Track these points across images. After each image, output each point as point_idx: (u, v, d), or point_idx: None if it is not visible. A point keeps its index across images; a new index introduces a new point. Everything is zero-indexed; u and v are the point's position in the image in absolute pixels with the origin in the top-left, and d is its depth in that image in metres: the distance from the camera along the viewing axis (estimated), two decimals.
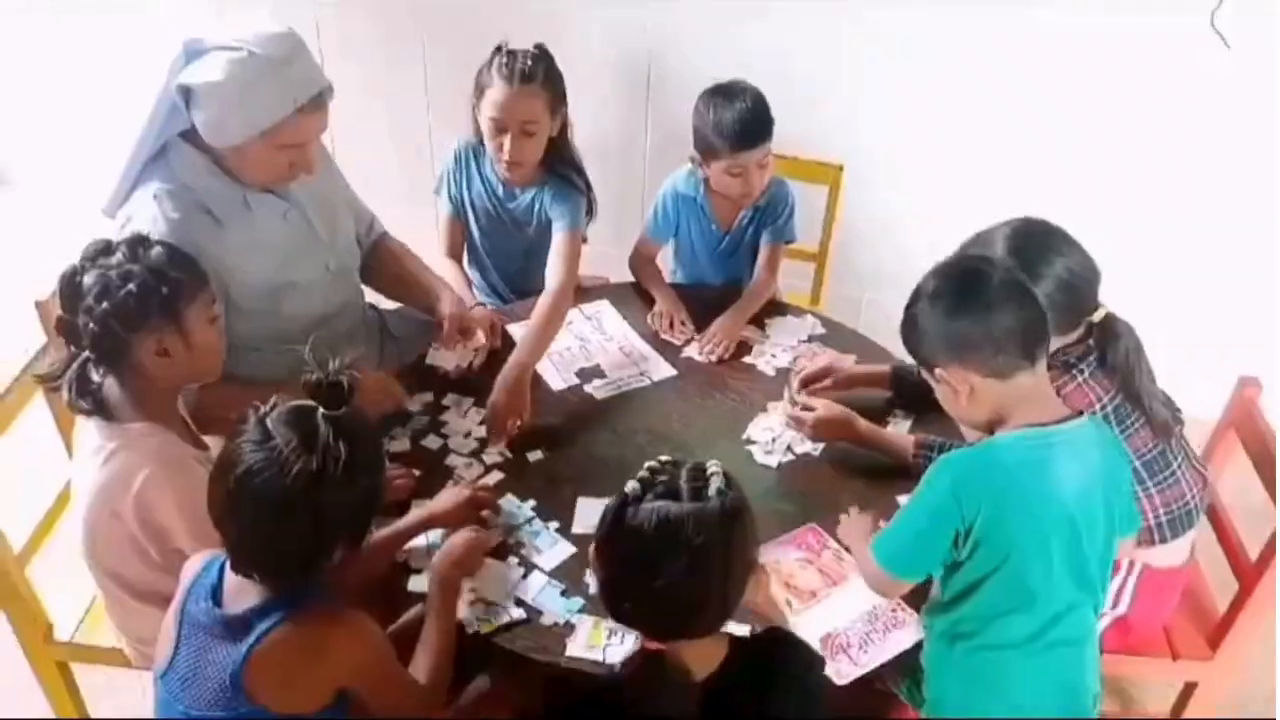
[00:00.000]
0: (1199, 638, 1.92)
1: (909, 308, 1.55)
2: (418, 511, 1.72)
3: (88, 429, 1.63)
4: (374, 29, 3.21)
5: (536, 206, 2.37)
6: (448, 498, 1.74)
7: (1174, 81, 2.66)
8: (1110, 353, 1.68)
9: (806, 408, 1.95)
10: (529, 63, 2.17)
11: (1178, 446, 1.78)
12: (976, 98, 2.83)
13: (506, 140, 2.21)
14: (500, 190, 2.38)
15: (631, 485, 1.25)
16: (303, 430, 1.28)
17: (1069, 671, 1.58)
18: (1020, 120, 2.82)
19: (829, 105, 2.92)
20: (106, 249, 1.60)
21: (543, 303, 2.20)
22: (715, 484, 1.26)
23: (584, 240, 2.38)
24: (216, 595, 1.36)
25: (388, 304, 2.33)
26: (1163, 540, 1.78)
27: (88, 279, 1.56)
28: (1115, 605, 1.84)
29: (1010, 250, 1.67)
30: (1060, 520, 1.48)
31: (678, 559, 1.21)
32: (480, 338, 2.12)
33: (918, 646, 1.62)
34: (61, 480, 1.89)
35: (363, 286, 2.22)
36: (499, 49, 2.20)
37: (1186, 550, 1.85)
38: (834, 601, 1.67)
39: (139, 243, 1.62)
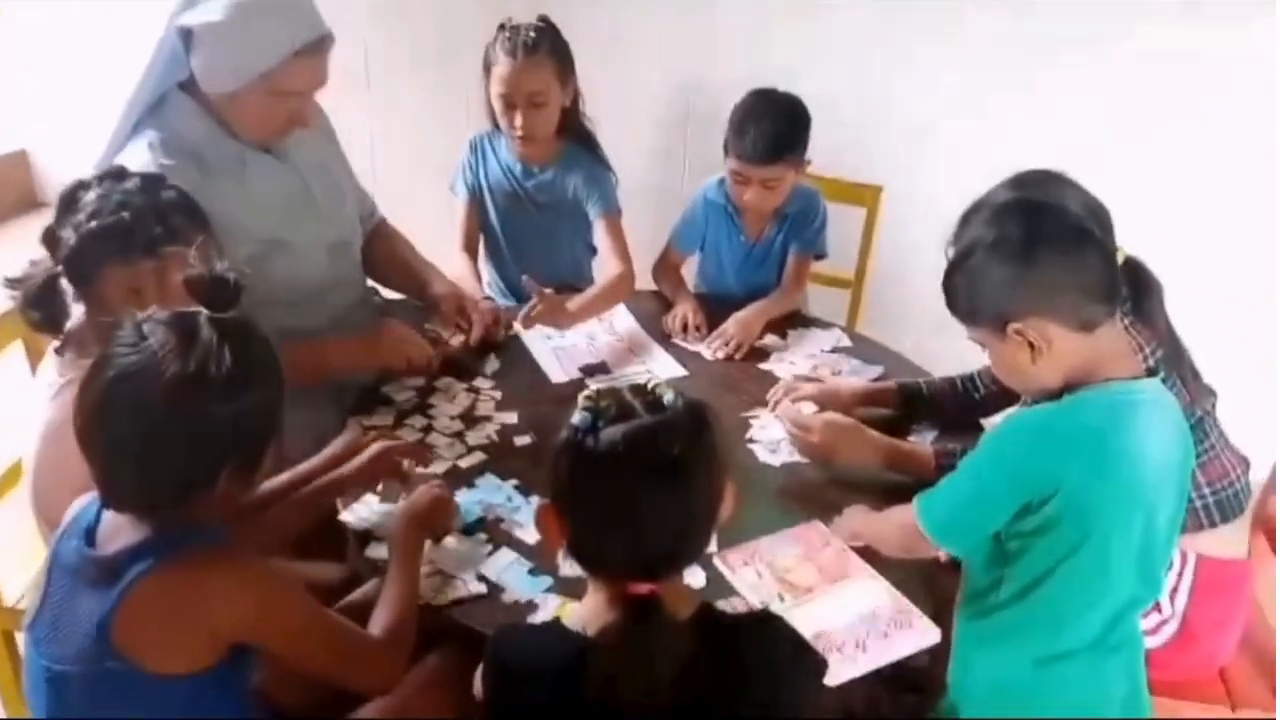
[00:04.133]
0: (1263, 688, 1.68)
1: (960, 261, 1.38)
2: (324, 477, 1.58)
3: (49, 368, 1.55)
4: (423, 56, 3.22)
5: (557, 185, 2.33)
6: (358, 455, 1.61)
7: (1240, 111, 2.50)
8: (1144, 300, 1.51)
9: (804, 427, 1.77)
10: (533, 34, 2.14)
11: (1213, 419, 1.58)
12: (1028, 121, 2.70)
13: (517, 115, 2.17)
14: (519, 169, 2.34)
15: (579, 416, 1.11)
16: (182, 332, 1.15)
17: (1130, 682, 1.38)
18: (1074, 147, 2.67)
19: (869, 126, 2.82)
20: (121, 174, 1.53)
21: (602, 281, 2.24)
22: (667, 393, 1.12)
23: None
24: (91, 535, 1.20)
25: (392, 294, 2.25)
26: (1212, 524, 1.58)
27: (89, 195, 1.48)
28: (1173, 604, 1.62)
29: (1017, 189, 1.54)
30: (1142, 492, 1.30)
31: (659, 476, 1.07)
32: (479, 328, 2.03)
33: (932, 658, 1.42)
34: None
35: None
36: (502, 26, 2.18)
37: (1243, 541, 1.64)
38: (830, 599, 1.48)
39: (155, 181, 1.55)
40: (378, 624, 1.35)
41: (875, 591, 1.49)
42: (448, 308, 1.99)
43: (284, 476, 1.59)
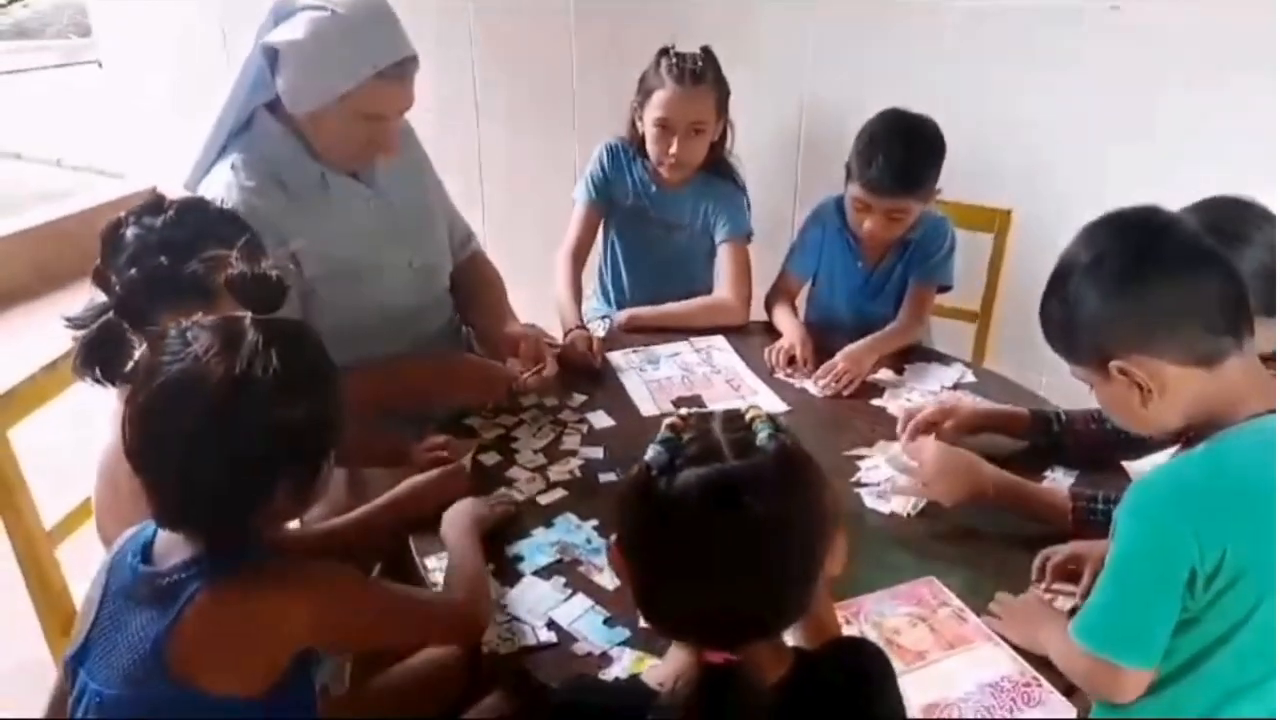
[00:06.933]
0: None
1: (1057, 286, 1.21)
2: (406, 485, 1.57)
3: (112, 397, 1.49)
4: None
5: (688, 207, 2.30)
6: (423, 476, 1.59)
7: None
8: None
9: (911, 456, 1.60)
10: (699, 63, 2.15)
11: None
12: (1172, 136, 2.43)
13: (674, 142, 2.16)
14: (653, 190, 2.30)
15: (654, 451, 0.96)
16: (226, 335, 1.08)
17: None
18: (1226, 161, 2.40)
19: (996, 144, 2.58)
20: (157, 206, 1.46)
21: (705, 298, 2.24)
22: (762, 430, 0.96)
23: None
24: (148, 552, 1.15)
25: None
26: None
27: (128, 234, 1.42)
28: None
29: (1204, 218, 1.32)
30: None
31: (737, 535, 0.92)
32: (552, 365, 1.90)
33: None
34: None
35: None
36: (665, 51, 2.18)
37: None
38: (946, 667, 1.29)
39: (191, 206, 1.49)
40: (452, 586, 1.35)
41: (998, 659, 1.30)
42: (527, 348, 1.86)
43: (342, 520, 1.52)
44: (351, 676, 1.59)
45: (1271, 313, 1.33)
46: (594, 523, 1.56)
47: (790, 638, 1.06)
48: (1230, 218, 1.37)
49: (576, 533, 1.54)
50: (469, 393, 1.83)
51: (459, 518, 1.47)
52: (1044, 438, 1.69)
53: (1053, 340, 1.25)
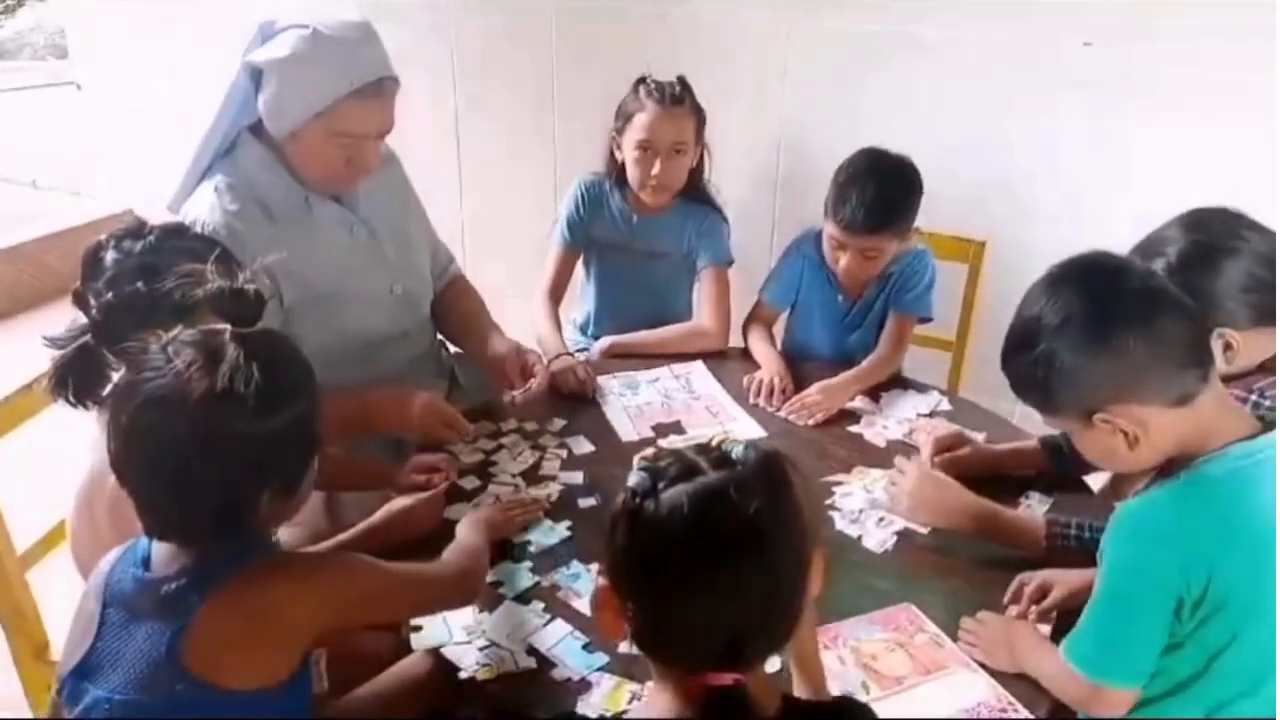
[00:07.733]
0: None
1: (1025, 346, 1.23)
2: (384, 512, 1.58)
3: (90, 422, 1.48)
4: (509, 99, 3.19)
5: (669, 234, 2.32)
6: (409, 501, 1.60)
7: None
8: None
9: (899, 474, 1.63)
10: (678, 88, 2.21)
11: None
12: (1140, 174, 2.48)
13: (656, 163, 2.19)
14: (634, 219, 2.32)
15: (636, 477, 0.96)
16: (207, 350, 1.09)
17: None
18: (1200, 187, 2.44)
19: (971, 177, 2.62)
20: (138, 230, 1.46)
21: (685, 324, 2.29)
22: (736, 447, 0.98)
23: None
24: (147, 563, 1.15)
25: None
26: None
27: (108, 258, 1.42)
28: None
29: (1189, 231, 1.37)
30: None
31: (731, 541, 0.92)
32: (543, 377, 1.90)
33: None
34: None
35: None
36: (643, 79, 2.23)
37: None
38: (924, 693, 1.30)
39: (172, 231, 1.49)
40: (447, 557, 1.39)
41: (975, 685, 1.31)
42: (511, 367, 1.87)
43: (318, 548, 1.51)
44: (328, 675, 1.58)
45: (1261, 323, 1.36)
46: (567, 522, 1.59)
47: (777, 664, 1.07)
48: (1217, 229, 1.39)
49: (550, 534, 1.56)
50: (417, 430, 1.79)
51: (474, 520, 1.52)
52: (1058, 462, 1.69)
53: (1027, 397, 1.27)
